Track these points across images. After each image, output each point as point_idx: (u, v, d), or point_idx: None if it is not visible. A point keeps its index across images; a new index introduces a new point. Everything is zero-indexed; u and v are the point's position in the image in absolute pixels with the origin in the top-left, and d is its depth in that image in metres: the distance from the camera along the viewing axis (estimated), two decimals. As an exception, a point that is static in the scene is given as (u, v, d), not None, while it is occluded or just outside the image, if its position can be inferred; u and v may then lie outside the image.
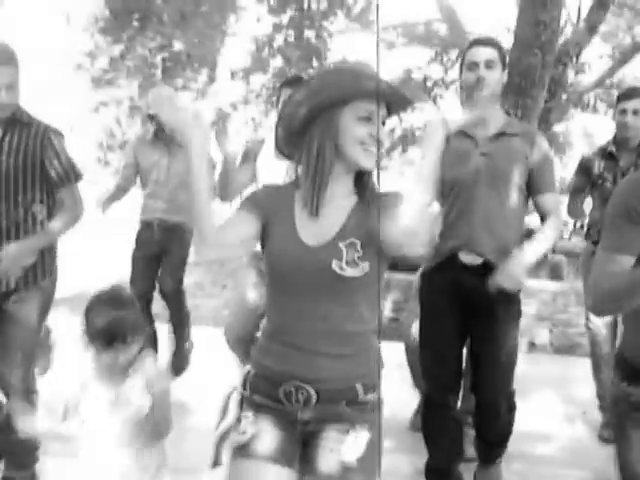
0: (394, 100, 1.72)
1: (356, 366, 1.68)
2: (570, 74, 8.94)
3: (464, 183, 2.65)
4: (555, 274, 7.93)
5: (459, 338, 2.77)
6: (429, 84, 10.53)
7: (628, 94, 3.65)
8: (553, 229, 2.67)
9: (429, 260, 2.77)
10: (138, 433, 1.96)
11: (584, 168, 3.73)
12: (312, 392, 1.67)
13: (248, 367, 1.82)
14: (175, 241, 4.33)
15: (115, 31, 7.30)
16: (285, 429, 1.71)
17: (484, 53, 2.68)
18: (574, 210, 3.90)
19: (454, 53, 9.66)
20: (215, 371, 4.46)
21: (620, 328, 2.09)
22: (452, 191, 2.68)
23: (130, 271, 4.36)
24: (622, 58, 8.23)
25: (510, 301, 2.66)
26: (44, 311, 2.94)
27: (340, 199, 1.72)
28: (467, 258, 2.64)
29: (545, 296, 6.72)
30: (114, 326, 1.93)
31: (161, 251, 4.34)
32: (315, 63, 8.10)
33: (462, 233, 2.63)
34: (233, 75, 8.81)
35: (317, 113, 1.67)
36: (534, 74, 6.13)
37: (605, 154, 3.66)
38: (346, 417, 1.68)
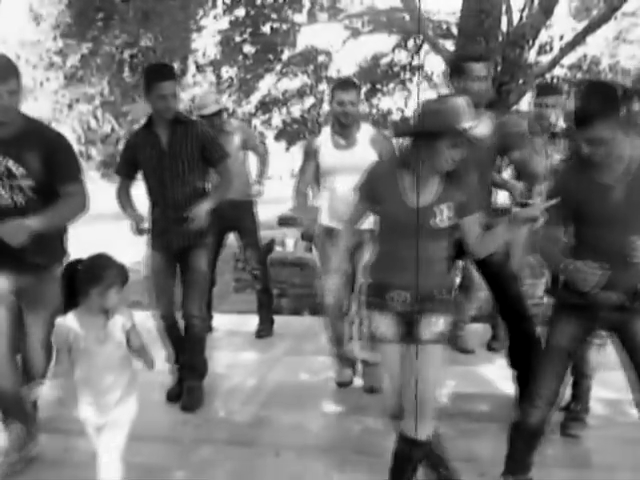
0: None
1: (436, 279, 2.65)
2: (532, 55, 9.16)
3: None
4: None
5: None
6: (396, 69, 10.78)
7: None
8: None
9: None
10: (121, 359, 2.60)
11: None
12: (407, 296, 2.65)
13: (363, 281, 2.83)
14: None
15: (78, 33, 7.53)
16: (393, 319, 2.70)
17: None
18: None
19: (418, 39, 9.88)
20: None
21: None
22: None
23: None
24: (575, 39, 8.29)
25: None
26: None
27: (432, 179, 2.60)
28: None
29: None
30: (124, 272, 2.53)
31: None
32: (271, 57, 8.31)
33: None
34: (199, 68, 9.05)
35: (420, 137, 2.54)
36: (478, 61, 6.38)
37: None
38: (431, 308, 2.66)
